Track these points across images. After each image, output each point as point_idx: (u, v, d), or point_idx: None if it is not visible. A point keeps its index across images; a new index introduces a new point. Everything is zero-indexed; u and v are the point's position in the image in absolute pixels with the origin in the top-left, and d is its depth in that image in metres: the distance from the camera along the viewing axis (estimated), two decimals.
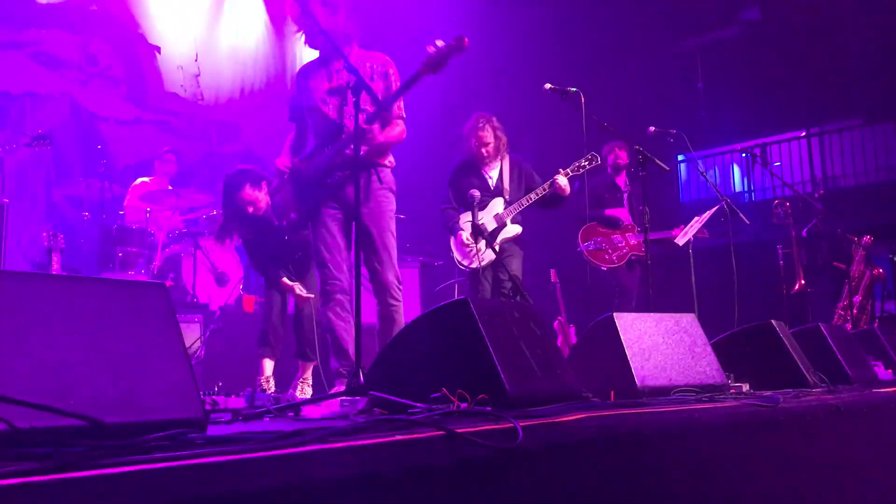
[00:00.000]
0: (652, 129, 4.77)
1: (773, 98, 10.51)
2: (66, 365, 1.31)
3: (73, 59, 7.91)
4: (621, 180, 6.08)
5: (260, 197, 4.38)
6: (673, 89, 10.71)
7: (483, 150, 4.93)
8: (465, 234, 4.81)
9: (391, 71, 3.65)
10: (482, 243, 4.58)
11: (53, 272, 4.90)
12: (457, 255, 4.93)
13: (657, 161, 4.40)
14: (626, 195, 6.04)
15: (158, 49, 8.58)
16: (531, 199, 4.83)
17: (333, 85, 3.62)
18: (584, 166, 4.86)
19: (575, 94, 4.20)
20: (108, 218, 6.55)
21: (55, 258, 4.88)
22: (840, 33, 9.88)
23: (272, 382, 4.43)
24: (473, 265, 4.78)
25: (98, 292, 1.44)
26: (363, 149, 3.50)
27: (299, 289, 4.44)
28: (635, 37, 10.47)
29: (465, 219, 4.89)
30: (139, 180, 7.04)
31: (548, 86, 4.26)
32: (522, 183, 4.97)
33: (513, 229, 4.86)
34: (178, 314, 1.63)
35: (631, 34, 10.46)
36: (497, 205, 4.87)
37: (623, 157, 5.99)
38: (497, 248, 4.72)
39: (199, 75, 8.86)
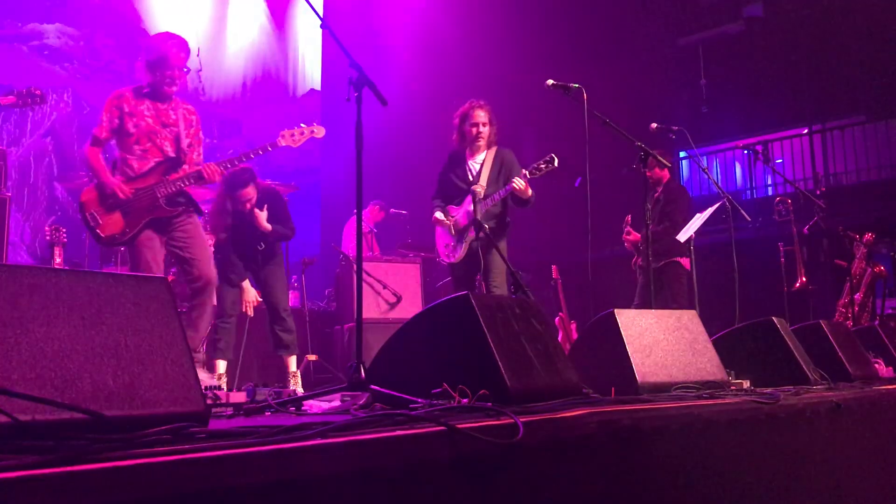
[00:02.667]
0: (654, 125, 4.77)
1: (775, 95, 10.48)
2: (67, 358, 1.31)
3: (75, 54, 7.92)
4: None
5: (254, 196, 4.92)
6: (675, 86, 10.69)
7: (476, 132, 4.80)
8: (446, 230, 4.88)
9: (196, 118, 4.26)
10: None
11: (55, 266, 4.91)
12: (437, 250, 5.01)
13: (659, 157, 4.40)
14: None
15: None
16: (495, 199, 4.69)
17: (166, 121, 4.09)
18: (542, 168, 4.65)
19: (577, 90, 4.18)
20: None
21: (57, 252, 4.88)
22: (843, 30, 9.84)
23: (224, 379, 4.57)
24: (453, 259, 4.82)
25: (100, 286, 1.44)
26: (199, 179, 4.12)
27: (253, 297, 5.02)
28: (638, 33, 10.46)
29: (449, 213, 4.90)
30: None
31: (550, 82, 4.24)
32: (501, 177, 4.79)
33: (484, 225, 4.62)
34: (179, 308, 1.63)
35: (633, 30, 10.44)
36: (470, 201, 4.69)
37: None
38: (467, 244, 4.72)
39: (200, 70, 8.87)
